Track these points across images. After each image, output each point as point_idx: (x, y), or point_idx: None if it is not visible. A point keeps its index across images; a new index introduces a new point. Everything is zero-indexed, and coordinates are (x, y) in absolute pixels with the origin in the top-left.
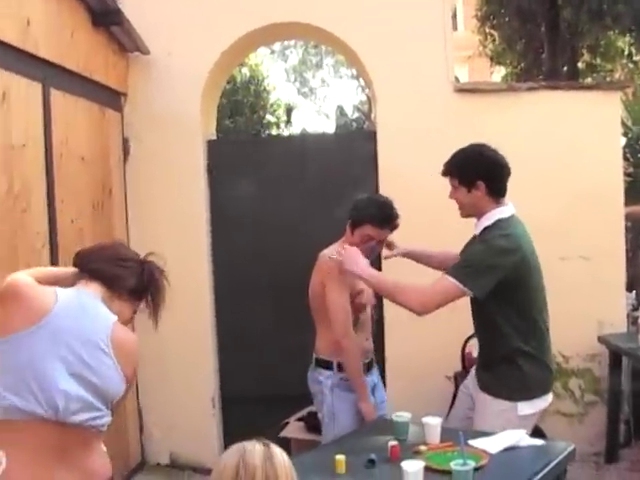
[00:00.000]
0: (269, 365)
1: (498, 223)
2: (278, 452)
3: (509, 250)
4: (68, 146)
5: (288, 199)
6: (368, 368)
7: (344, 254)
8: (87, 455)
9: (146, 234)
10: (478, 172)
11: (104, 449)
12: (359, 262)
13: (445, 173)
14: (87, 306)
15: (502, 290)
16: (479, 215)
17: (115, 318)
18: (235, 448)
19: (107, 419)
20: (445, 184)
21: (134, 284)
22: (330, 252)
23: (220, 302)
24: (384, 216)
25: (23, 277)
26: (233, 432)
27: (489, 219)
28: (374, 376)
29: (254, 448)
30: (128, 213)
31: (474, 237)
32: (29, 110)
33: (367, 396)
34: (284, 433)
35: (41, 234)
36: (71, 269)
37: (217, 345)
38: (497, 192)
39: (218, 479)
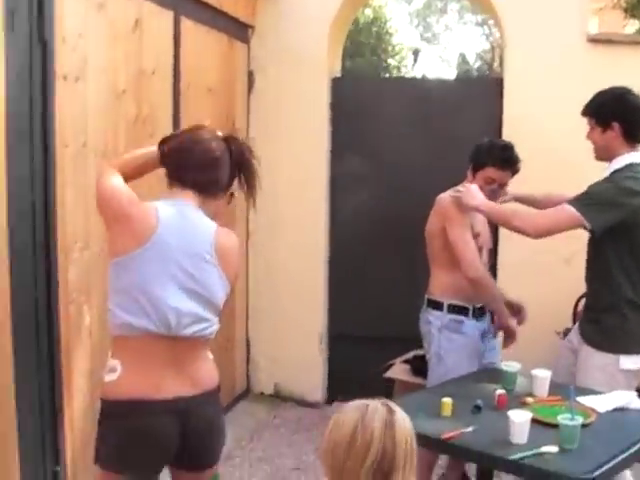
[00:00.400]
0: (379, 306)
1: (629, 167)
2: (400, 418)
3: (635, 192)
4: (196, 76)
5: (409, 140)
6: (480, 314)
7: (463, 189)
8: (195, 363)
9: (266, 167)
10: (614, 113)
11: (211, 357)
12: (477, 196)
13: (584, 113)
14: (188, 220)
15: (620, 233)
16: (611, 158)
17: (215, 226)
18: (357, 405)
19: (215, 327)
20: (570, 138)
21: (227, 180)
22: (449, 194)
23: (335, 240)
24: (506, 158)
25: (124, 193)
26: (338, 369)
27: (620, 162)
28: (485, 323)
29: (376, 410)
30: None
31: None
32: (160, 38)
33: (507, 315)
34: (389, 374)
35: None
36: (153, 148)
37: (329, 282)
38: (632, 136)
39: (336, 432)
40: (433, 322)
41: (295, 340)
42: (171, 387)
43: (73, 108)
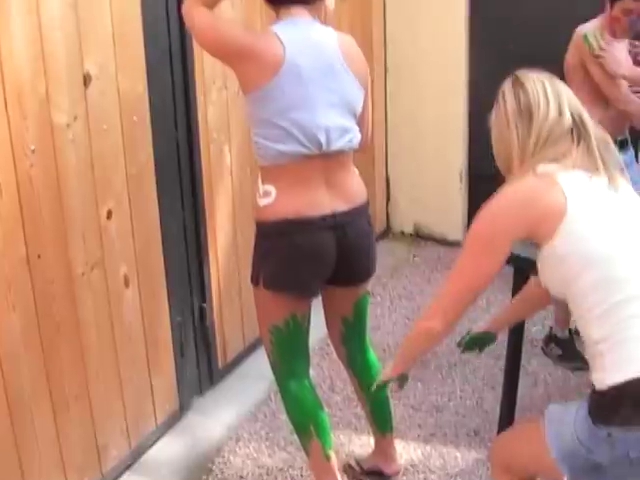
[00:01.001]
0: None
1: None
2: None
3: None
4: None
5: None
6: (621, 146)
7: (607, 54)
8: (345, 179)
9: (402, 44)
10: None
11: (356, 171)
12: (623, 62)
13: None
14: (310, 35)
15: None
16: None
17: (334, 33)
18: None
19: (358, 136)
20: None
21: None
22: (588, 28)
23: (475, 76)
24: None
25: (233, 27)
26: (477, 207)
27: None
28: (627, 155)
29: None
30: (386, 22)
31: None
32: None
33: None
34: None
35: None
36: None
37: (469, 121)
38: None
39: None
40: None
41: (435, 179)
42: (327, 203)
43: None
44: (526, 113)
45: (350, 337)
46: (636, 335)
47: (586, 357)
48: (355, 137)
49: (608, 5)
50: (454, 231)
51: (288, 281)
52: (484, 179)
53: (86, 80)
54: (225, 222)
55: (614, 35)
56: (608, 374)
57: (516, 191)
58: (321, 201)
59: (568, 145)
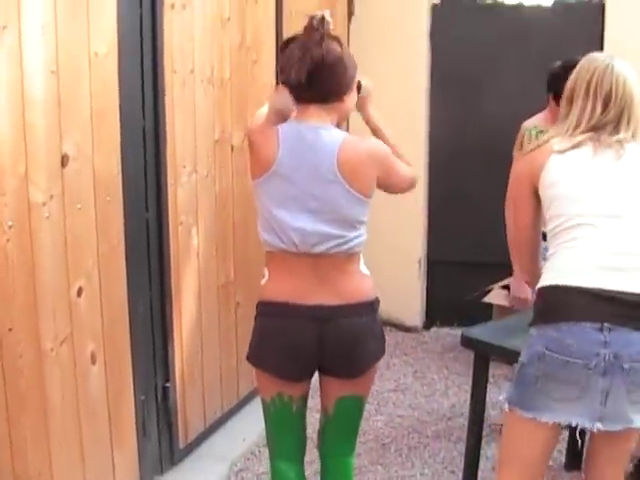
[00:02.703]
0: (478, 231)
1: None
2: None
3: None
4: (297, 2)
5: (507, 67)
6: None
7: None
8: (339, 276)
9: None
10: None
11: (365, 272)
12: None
13: None
14: (307, 139)
15: None
16: None
17: (341, 140)
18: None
19: (356, 241)
20: None
21: (343, 80)
22: (531, 123)
23: (434, 167)
24: None
25: (256, 121)
26: (436, 294)
27: None
28: None
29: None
30: None
31: None
32: None
33: None
34: (487, 299)
35: (268, 85)
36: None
37: (428, 208)
38: None
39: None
40: None
41: (394, 266)
42: (314, 295)
43: (180, 35)
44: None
45: (325, 432)
46: (569, 253)
47: None
48: (349, 242)
49: (552, 101)
50: (412, 317)
51: (265, 360)
52: (443, 265)
53: (64, 160)
54: (191, 303)
55: None
56: (540, 282)
57: None
58: (309, 292)
59: None
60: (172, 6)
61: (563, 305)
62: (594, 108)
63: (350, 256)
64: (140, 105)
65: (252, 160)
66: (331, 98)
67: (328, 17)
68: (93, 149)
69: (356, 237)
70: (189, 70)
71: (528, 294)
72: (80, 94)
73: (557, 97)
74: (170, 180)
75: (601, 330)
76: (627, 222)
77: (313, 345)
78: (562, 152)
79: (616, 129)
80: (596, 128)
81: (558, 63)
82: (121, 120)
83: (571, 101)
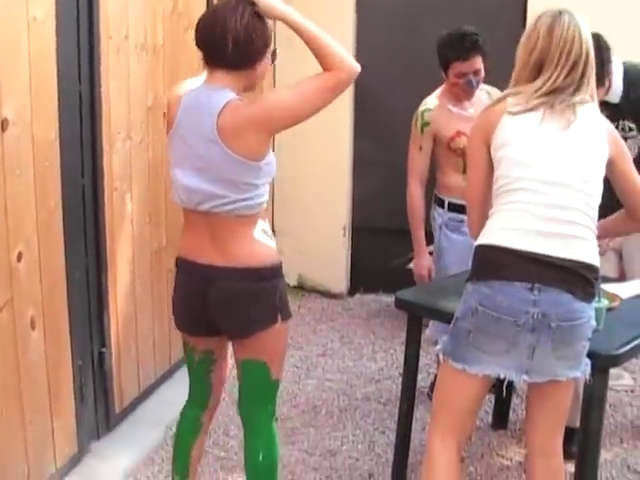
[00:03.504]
0: (402, 198)
1: None
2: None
3: None
4: None
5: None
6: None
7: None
8: (229, 238)
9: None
10: None
11: (258, 238)
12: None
13: None
14: (199, 101)
15: None
16: None
17: (224, 103)
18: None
19: (239, 204)
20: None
21: (259, 48)
22: (429, 101)
23: (359, 132)
24: (468, 47)
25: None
26: (361, 261)
27: None
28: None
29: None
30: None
31: None
32: None
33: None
34: (411, 266)
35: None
36: None
37: (352, 175)
38: None
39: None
40: (437, 219)
41: (319, 232)
42: (206, 254)
43: (115, 1)
44: None
45: (240, 395)
46: (506, 215)
47: None
48: (230, 205)
49: (443, 74)
50: (337, 284)
51: (174, 310)
52: (367, 232)
53: (3, 125)
54: (125, 269)
55: (459, 99)
56: (477, 240)
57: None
58: (202, 250)
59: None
60: None
61: (496, 264)
62: (560, 75)
63: (240, 218)
64: (76, 71)
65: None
66: (237, 65)
67: None
68: (32, 114)
69: (244, 199)
70: (123, 36)
71: (425, 270)
72: (19, 59)
73: (445, 69)
74: (105, 146)
75: (531, 290)
76: (566, 190)
77: (198, 302)
78: (515, 114)
79: (577, 90)
80: (557, 90)
81: (443, 33)
82: (59, 86)
83: (540, 68)
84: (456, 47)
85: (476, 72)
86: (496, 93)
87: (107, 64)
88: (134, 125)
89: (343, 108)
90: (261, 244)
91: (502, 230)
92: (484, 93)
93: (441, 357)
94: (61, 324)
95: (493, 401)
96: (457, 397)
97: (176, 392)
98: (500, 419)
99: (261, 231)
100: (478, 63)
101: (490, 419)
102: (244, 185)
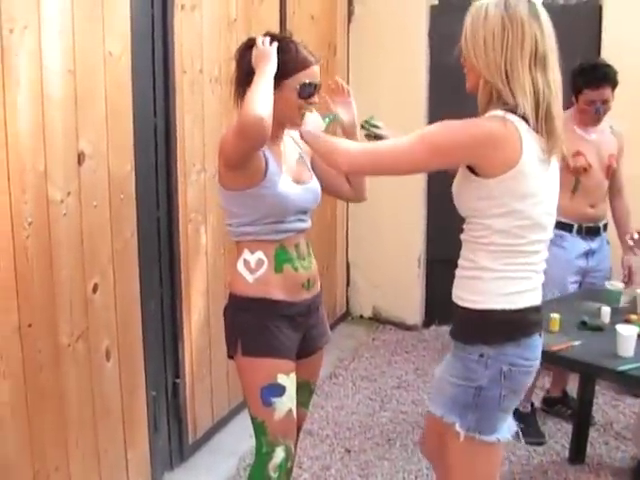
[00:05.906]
0: None
1: None
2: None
3: None
4: (300, 4)
5: None
6: (590, 233)
7: None
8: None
9: (365, 96)
10: None
11: (237, 267)
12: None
13: None
14: None
15: None
16: None
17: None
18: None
19: (229, 229)
20: None
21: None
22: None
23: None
24: (599, 77)
25: None
26: (436, 292)
27: None
28: (594, 242)
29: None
30: (349, 74)
31: None
32: None
33: None
34: None
35: None
36: None
37: (427, 207)
38: None
39: (480, 26)
40: None
41: (394, 264)
42: None
43: (190, 36)
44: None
45: None
46: (523, 276)
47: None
48: (227, 227)
49: (574, 99)
50: (412, 315)
51: None
52: (442, 263)
53: (80, 158)
54: (199, 300)
55: (585, 125)
56: (488, 297)
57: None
58: None
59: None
60: (182, 7)
61: (525, 323)
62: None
63: (239, 245)
64: (152, 104)
65: None
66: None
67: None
68: (108, 147)
69: (228, 225)
70: (198, 70)
71: None
72: (96, 93)
73: (576, 95)
74: (180, 178)
75: (540, 336)
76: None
77: None
78: (535, 160)
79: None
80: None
81: (579, 63)
82: (134, 119)
83: (507, 77)
84: (588, 76)
85: (604, 101)
86: (618, 129)
87: (182, 98)
88: (208, 157)
89: None
90: (237, 274)
91: (525, 293)
92: (608, 125)
93: (462, 436)
94: (135, 355)
95: (570, 435)
96: (491, 470)
97: (250, 423)
98: (578, 453)
99: (242, 261)
100: (607, 93)
101: (567, 453)
102: (226, 210)
